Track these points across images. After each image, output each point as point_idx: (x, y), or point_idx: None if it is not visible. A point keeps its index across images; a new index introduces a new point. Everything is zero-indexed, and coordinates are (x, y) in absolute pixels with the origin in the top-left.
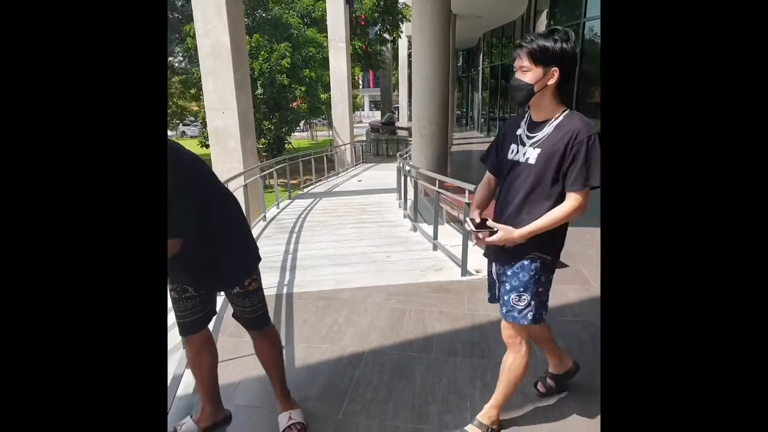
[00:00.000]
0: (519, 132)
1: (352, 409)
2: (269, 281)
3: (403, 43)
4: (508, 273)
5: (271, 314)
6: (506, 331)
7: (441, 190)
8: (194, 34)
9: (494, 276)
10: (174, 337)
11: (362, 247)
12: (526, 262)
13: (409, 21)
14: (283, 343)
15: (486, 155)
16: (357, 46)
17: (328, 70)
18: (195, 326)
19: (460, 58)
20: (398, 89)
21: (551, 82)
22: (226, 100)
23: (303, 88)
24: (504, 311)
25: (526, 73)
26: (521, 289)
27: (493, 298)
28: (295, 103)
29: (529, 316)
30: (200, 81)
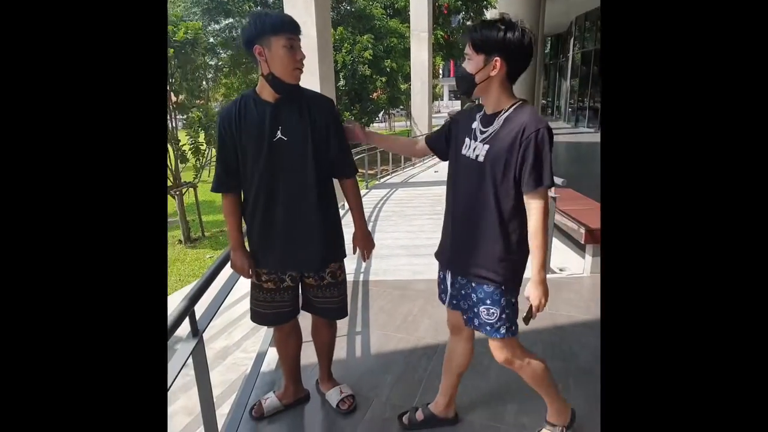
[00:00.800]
0: (474, 125)
1: (426, 399)
2: (348, 268)
3: None
4: (473, 284)
5: (348, 300)
6: (498, 355)
7: None
8: None
9: (448, 283)
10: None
11: (439, 239)
12: (484, 285)
13: (495, 8)
14: (359, 328)
15: (433, 134)
16: (439, 36)
17: (409, 60)
18: (291, 316)
19: (548, 45)
20: None
21: (494, 72)
22: None
23: (384, 79)
24: (476, 323)
25: (470, 61)
26: (488, 302)
27: (445, 301)
28: (375, 94)
29: (503, 330)
30: None
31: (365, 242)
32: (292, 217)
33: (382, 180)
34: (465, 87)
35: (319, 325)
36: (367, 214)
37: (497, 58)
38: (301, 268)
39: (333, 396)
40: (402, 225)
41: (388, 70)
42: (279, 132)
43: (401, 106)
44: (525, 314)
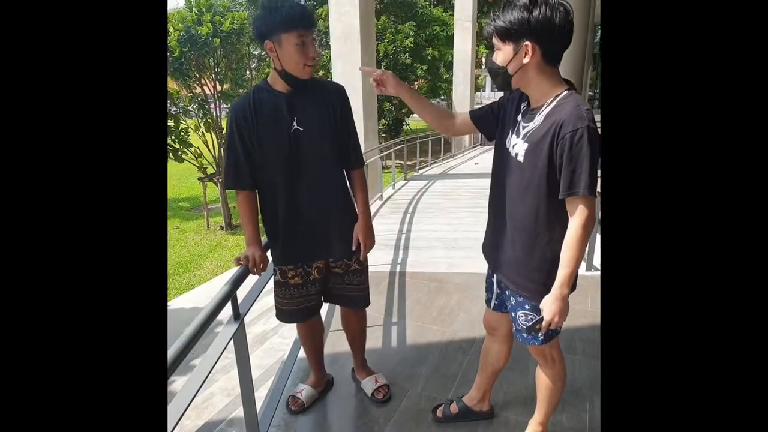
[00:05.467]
0: (519, 117)
1: (461, 392)
2: (384, 259)
3: None
4: (513, 287)
5: (384, 291)
6: (534, 350)
7: None
8: (326, 17)
9: (495, 282)
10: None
11: (477, 233)
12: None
13: None
14: (395, 319)
15: (478, 109)
16: (483, 25)
17: (452, 48)
18: (317, 309)
19: (598, 33)
20: None
21: (527, 59)
22: (352, 82)
23: (424, 67)
24: (514, 329)
25: (499, 53)
26: (526, 307)
27: (490, 302)
28: (416, 83)
29: (540, 336)
30: (329, 63)
31: (368, 235)
32: (318, 206)
33: (420, 171)
34: (500, 82)
35: (349, 315)
36: (404, 206)
37: (527, 43)
38: (332, 255)
39: (368, 385)
40: (440, 217)
41: (429, 58)
42: (295, 123)
43: (443, 96)
44: (531, 324)
